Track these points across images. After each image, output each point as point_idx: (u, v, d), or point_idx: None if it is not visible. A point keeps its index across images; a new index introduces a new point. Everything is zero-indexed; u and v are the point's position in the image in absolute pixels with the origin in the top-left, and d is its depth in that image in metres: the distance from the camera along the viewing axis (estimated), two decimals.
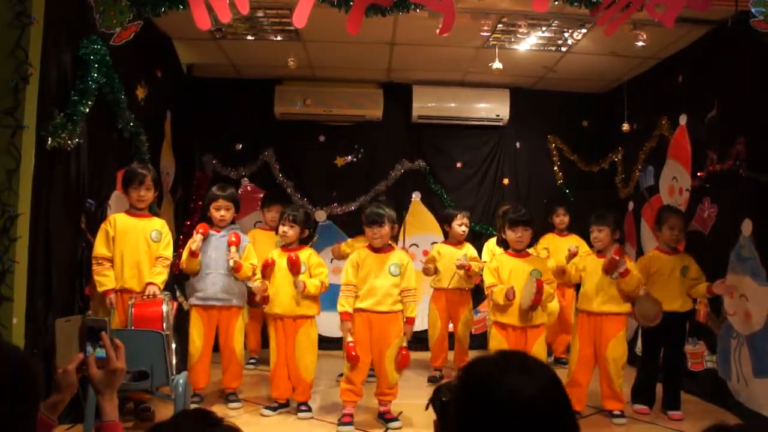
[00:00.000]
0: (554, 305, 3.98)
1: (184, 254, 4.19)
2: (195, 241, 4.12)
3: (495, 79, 5.80)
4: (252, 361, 5.40)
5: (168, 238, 4.04)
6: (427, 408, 1.21)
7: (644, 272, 4.20)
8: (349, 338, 3.87)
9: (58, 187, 3.53)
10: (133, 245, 3.87)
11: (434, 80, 6.27)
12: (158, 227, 4.01)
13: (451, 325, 5.21)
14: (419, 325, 5.65)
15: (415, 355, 5.71)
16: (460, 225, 5.19)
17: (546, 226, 5.62)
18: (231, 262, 4.14)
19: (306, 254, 4.17)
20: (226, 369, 4.29)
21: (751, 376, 4.04)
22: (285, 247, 4.20)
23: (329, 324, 5.56)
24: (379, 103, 6.24)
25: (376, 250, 4.02)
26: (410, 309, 3.96)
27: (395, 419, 3.93)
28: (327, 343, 5.49)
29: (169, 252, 4.02)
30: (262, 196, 6.21)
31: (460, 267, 4.91)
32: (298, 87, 6.20)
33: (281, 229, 4.18)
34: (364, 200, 6.30)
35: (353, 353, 3.83)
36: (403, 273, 3.96)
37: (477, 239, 5.69)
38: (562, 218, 5.65)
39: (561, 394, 1.13)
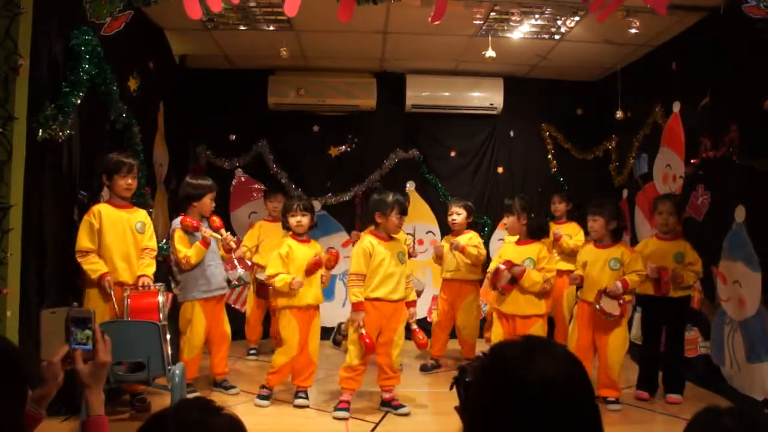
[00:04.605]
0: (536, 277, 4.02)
1: (194, 250, 4.08)
2: (207, 231, 4.13)
3: (488, 67, 5.78)
4: (252, 351, 5.40)
5: (152, 229, 4.02)
6: (451, 388, 1.19)
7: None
8: (363, 329, 3.86)
9: (51, 179, 3.51)
10: (120, 237, 3.81)
11: (427, 69, 6.25)
12: (142, 218, 3.96)
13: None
14: (420, 314, 5.70)
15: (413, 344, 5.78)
16: (450, 215, 5.21)
17: (548, 214, 5.66)
18: (232, 243, 4.24)
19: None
20: (216, 355, 4.29)
21: (744, 361, 4.07)
22: (297, 236, 4.19)
23: (324, 314, 5.58)
24: (372, 93, 6.22)
25: (386, 238, 4.03)
26: (412, 294, 4.11)
27: (402, 405, 3.95)
28: (323, 332, 5.47)
29: (154, 243, 4.00)
30: (257, 187, 6.21)
31: (454, 248, 4.94)
32: (291, 77, 6.18)
33: (295, 219, 4.15)
34: (358, 190, 6.31)
35: (368, 341, 3.84)
36: (406, 261, 4.06)
37: (471, 228, 5.67)
38: (556, 206, 5.70)
39: (585, 377, 1.15)
